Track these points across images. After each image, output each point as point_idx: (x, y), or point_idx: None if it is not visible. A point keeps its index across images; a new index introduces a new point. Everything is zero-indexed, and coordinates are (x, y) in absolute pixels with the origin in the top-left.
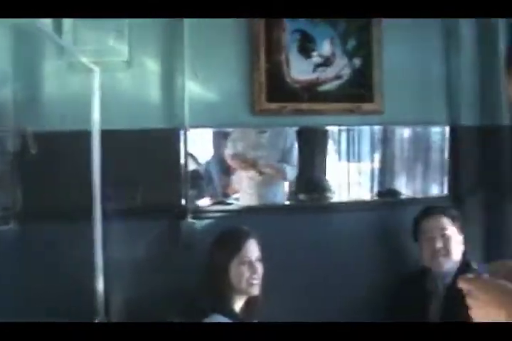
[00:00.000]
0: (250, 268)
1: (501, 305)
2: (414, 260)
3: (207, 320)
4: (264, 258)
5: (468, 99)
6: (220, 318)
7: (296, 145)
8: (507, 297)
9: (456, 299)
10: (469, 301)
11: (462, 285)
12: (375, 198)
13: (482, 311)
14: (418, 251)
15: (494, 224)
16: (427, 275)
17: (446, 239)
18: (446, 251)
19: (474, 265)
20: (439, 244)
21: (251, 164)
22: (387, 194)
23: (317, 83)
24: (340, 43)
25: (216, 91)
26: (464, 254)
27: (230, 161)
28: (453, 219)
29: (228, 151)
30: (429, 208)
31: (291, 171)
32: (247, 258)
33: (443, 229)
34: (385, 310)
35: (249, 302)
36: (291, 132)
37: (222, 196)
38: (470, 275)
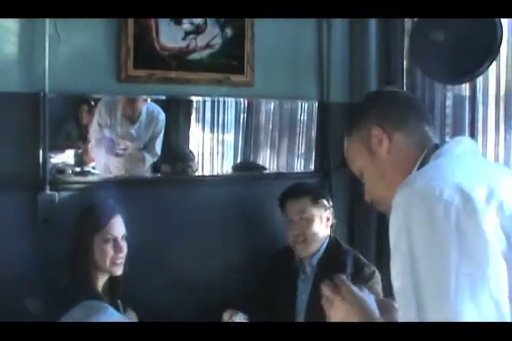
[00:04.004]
0: (115, 247)
1: (357, 318)
2: (282, 236)
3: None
4: (128, 234)
5: (338, 75)
6: (91, 303)
7: (162, 135)
8: (363, 313)
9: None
10: (327, 305)
11: (325, 291)
12: (240, 171)
13: (338, 317)
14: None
15: (360, 198)
16: (293, 253)
17: (305, 223)
18: (305, 237)
19: (344, 244)
20: (296, 231)
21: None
22: (252, 167)
23: (187, 51)
24: None
25: (80, 55)
26: (333, 232)
27: (92, 131)
28: (316, 197)
29: (91, 120)
30: (291, 188)
31: (151, 159)
32: (111, 236)
33: (302, 212)
34: (254, 288)
35: (112, 282)
36: (162, 119)
37: (81, 165)
38: (339, 279)
